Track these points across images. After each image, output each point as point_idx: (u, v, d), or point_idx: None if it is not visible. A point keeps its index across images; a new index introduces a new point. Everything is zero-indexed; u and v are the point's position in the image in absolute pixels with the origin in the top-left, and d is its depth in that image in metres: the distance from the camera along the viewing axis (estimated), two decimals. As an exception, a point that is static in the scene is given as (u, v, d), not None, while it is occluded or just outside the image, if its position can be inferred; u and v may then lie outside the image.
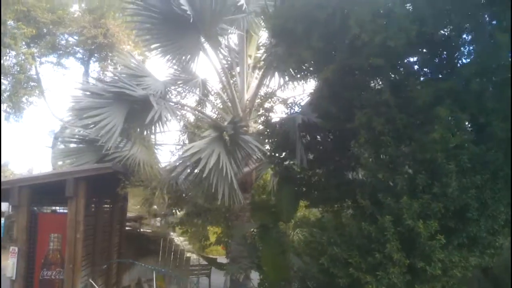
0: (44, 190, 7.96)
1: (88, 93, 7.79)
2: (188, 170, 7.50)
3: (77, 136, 9.02)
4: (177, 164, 6.63)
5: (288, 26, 5.99)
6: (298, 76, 7.14)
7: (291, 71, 7.78)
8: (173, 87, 9.63)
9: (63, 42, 19.91)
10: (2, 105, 15.62)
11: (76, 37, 18.51)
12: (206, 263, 13.13)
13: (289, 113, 8.22)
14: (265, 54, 8.86)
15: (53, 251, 7.96)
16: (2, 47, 11.66)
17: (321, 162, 7.53)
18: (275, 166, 8.16)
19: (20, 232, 7.68)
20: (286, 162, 7.71)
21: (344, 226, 5.83)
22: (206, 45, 8.59)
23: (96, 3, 18.47)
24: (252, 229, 8.16)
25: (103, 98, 7.33)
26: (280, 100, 9.10)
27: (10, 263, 7.54)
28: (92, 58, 19.95)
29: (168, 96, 8.82)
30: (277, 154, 7.59)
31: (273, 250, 7.21)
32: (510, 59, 4.85)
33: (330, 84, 5.98)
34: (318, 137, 7.43)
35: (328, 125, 6.60)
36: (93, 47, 18.51)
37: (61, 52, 19.78)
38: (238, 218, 9.09)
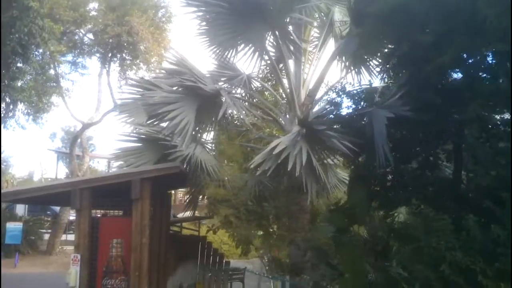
0: (100, 193, 7.45)
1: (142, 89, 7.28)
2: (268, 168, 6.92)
3: (135, 135, 8.49)
4: (261, 161, 6.07)
5: (384, 11, 5.51)
6: (386, 66, 6.68)
7: (371, 61, 7.33)
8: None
9: (84, 40, 19.34)
10: (20, 106, 15.00)
11: (98, 36, 17.86)
12: (241, 267, 12.64)
13: (357, 107, 7.74)
14: (338, 44, 8.34)
15: (115, 257, 7.42)
16: (29, 46, 11.13)
17: (406, 160, 7.04)
18: (349, 164, 7.67)
19: (82, 238, 7.14)
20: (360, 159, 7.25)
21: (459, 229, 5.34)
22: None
23: (118, 1, 18.02)
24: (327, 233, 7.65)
25: (175, 93, 6.83)
26: (346, 93, 8.55)
27: (73, 271, 7.00)
28: (114, 58, 19.35)
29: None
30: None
31: (352, 255, 6.72)
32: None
33: (439, 73, 5.50)
34: (404, 132, 6.94)
35: (426, 118, 6.12)
36: (115, 46, 17.94)
37: (80, 51, 19.21)
38: (298, 220, 8.60)
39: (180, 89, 6.98)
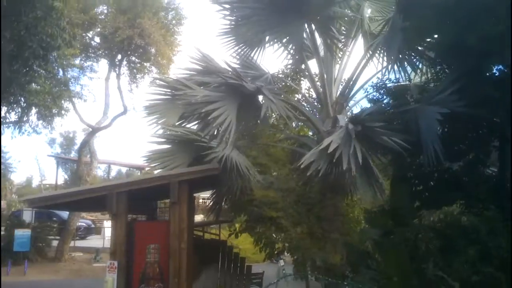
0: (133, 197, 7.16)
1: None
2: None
3: (167, 136, 8.21)
4: (312, 161, 5.81)
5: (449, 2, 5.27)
6: (438, 60, 6.44)
7: (416, 57, 7.08)
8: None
9: (93, 43, 19.04)
10: (33, 110, 14.62)
11: (108, 38, 17.56)
12: (259, 271, 12.39)
13: (397, 103, 7.50)
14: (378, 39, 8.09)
15: (151, 264, 7.11)
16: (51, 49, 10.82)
17: (454, 157, 6.80)
18: (391, 163, 7.42)
19: (119, 244, 6.83)
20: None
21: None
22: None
23: (128, 3, 17.75)
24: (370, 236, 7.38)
25: (218, 91, 6.56)
26: (387, 89, 8.31)
27: (110, 280, 6.68)
28: (124, 61, 19.07)
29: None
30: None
31: (399, 258, 6.45)
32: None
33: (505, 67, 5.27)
34: (453, 129, 6.70)
35: (482, 114, 5.89)
36: (127, 49, 17.66)
37: (90, 54, 18.91)
38: (332, 223, 8.33)
39: (222, 87, 6.71)
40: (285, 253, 12.15)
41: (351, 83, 8.37)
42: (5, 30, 9.56)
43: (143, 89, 20.19)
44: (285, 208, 6.99)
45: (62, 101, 14.95)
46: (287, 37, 7.71)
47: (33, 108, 13.44)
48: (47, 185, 62.73)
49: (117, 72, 19.24)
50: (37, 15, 9.55)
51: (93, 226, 26.49)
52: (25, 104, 12.71)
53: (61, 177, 51.00)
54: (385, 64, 7.65)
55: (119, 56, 19.55)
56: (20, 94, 11.80)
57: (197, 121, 8.85)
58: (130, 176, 56.67)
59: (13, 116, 13.69)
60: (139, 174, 56.94)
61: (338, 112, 8.53)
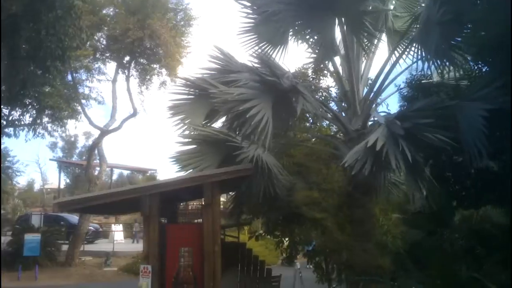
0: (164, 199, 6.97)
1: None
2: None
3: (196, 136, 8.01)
4: (357, 158, 5.63)
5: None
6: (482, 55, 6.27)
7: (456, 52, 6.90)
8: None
9: (101, 45, 18.86)
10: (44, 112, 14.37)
11: (118, 40, 17.36)
12: (276, 275, 12.25)
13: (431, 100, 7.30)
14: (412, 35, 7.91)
15: (184, 267, 6.90)
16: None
17: (494, 156, 6.62)
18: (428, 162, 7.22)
19: (152, 247, 6.63)
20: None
21: None
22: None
23: (138, 4, 17.59)
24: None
25: (253, 89, 6.38)
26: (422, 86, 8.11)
27: (144, 284, 6.48)
28: (133, 63, 18.88)
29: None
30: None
31: (443, 260, 6.28)
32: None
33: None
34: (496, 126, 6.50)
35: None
36: (137, 50, 17.48)
37: (100, 56, 18.73)
38: (363, 224, 8.14)
39: (256, 85, 6.53)
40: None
41: (380, 80, 8.19)
42: (22, 30, 9.36)
43: (153, 91, 19.88)
44: (328, 209, 6.79)
45: (76, 103, 14.74)
46: (316, 34, 7.54)
47: (46, 110, 13.19)
48: (49, 189, 62.56)
49: (126, 74, 19.05)
50: (57, 14, 9.34)
51: (101, 230, 26.26)
52: (38, 106, 12.48)
53: (62, 181, 50.84)
54: (416, 60, 7.47)
55: (127, 58, 19.39)
56: (34, 96, 11.59)
57: (224, 121, 8.75)
58: (132, 179, 56.50)
59: (25, 118, 13.45)
60: (140, 177, 56.85)
61: (366, 110, 8.37)
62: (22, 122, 13.61)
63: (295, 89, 6.49)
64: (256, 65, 7.73)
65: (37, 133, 14.15)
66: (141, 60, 18.89)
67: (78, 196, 7.64)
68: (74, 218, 28.39)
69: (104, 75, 19.26)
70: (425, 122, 5.69)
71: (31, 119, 13.55)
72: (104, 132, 19.76)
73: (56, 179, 58.55)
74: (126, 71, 19.06)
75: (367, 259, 6.03)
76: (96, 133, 18.29)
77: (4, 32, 9.23)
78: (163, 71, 18.55)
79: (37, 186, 62.70)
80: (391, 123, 5.90)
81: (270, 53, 9.48)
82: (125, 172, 60.28)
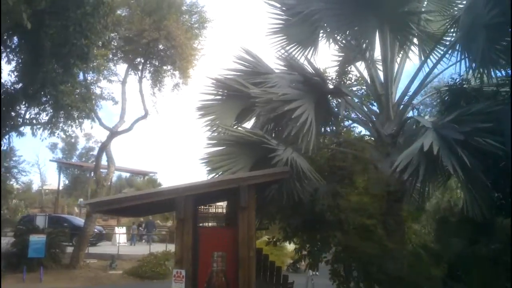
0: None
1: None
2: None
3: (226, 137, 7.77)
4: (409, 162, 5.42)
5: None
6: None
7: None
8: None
9: (113, 46, 18.63)
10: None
11: (134, 40, 17.15)
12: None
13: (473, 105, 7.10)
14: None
15: (217, 273, 6.64)
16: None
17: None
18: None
19: (186, 251, 6.39)
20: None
21: None
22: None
23: (153, 5, 17.42)
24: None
25: (297, 89, 6.18)
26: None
27: (177, 289, 6.24)
28: (146, 64, 18.67)
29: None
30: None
31: (488, 270, 6.06)
32: None
33: None
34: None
35: None
36: (152, 51, 17.28)
37: (113, 57, 18.50)
38: (395, 233, 7.92)
39: (300, 85, 6.34)
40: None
41: (417, 84, 8.01)
42: (47, 26, 9.13)
43: (166, 93, 19.64)
44: (376, 215, 6.56)
45: (92, 103, 14.49)
46: (357, 34, 7.34)
47: (63, 109, 12.89)
48: (47, 190, 62.12)
49: (139, 75, 18.83)
50: (86, 10, 9.12)
51: (104, 232, 25.93)
52: (55, 105, 12.20)
53: (61, 182, 50.54)
54: (458, 63, 7.27)
55: (139, 59, 19.19)
56: (52, 94, 11.34)
57: (255, 122, 8.54)
58: (130, 182, 56.09)
59: (41, 117, 13.15)
60: (140, 180, 56.46)
61: (400, 115, 8.19)
62: (39, 121, 13.30)
63: (339, 90, 6.29)
64: (282, 66, 7.57)
65: (53, 132, 13.87)
66: (154, 62, 18.66)
67: (111, 197, 7.41)
68: (77, 219, 28.13)
69: (116, 76, 18.99)
70: (483, 126, 5.48)
71: (47, 118, 13.24)
72: (114, 133, 19.49)
73: (54, 180, 58.20)
74: (138, 72, 18.83)
75: (419, 269, 5.79)
76: (98, 134, 17.79)
77: (26, 30, 8.98)
78: (177, 73, 18.33)
79: (35, 187, 62.22)
80: (444, 127, 5.69)
81: (300, 55, 9.33)
82: (124, 175, 59.81)
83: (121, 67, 20.36)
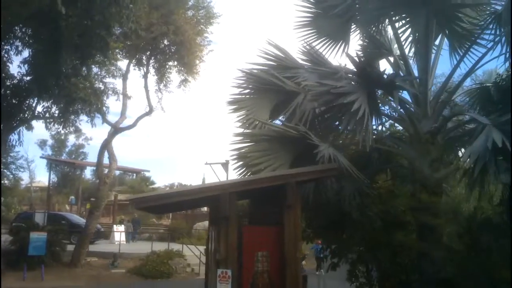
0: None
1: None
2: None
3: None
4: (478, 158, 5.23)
5: None
6: None
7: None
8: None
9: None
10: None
11: (141, 35, 16.68)
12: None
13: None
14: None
15: (260, 273, 6.40)
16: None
17: None
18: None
19: (231, 251, 6.11)
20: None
21: None
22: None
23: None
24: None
25: (350, 81, 5.95)
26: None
27: (224, 290, 5.95)
28: (152, 59, 18.26)
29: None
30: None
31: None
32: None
33: None
34: None
35: None
36: (160, 46, 16.88)
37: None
38: (433, 230, 7.74)
39: (353, 77, 6.10)
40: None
41: (457, 81, 7.83)
42: (65, 16, 8.73)
43: (172, 89, 19.21)
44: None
45: (105, 97, 14.07)
46: (403, 26, 7.12)
47: (77, 103, 12.44)
48: (37, 187, 61.10)
49: (144, 71, 18.42)
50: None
51: (102, 230, 25.45)
52: (68, 99, 11.74)
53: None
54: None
55: (142, 54, 18.77)
56: (67, 88, 10.90)
57: (287, 116, 8.27)
58: (121, 180, 55.30)
59: (54, 111, 12.64)
60: (129, 178, 55.79)
61: (438, 111, 8.00)
62: (52, 115, 12.79)
63: (393, 83, 6.06)
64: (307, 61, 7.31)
65: (65, 127, 13.39)
66: (159, 57, 18.25)
67: (155, 192, 7.11)
68: (74, 217, 27.61)
69: (120, 70, 18.51)
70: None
71: (57, 111, 12.76)
72: (117, 129, 19.06)
73: (42, 177, 57.20)
74: (144, 68, 18.40)
75: (486, 271, 5.59)
76: (89, 132, 16.99)
77: (44, 19, 8.59)
78: (183, 68, 17.92)
79: (23, 184, 61.04)
80: (504, 124, 5.51)
81: (331, 48, 9.12)
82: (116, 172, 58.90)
83: (122, 63, 19.84)
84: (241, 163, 7.41)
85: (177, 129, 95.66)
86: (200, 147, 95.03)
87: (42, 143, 60.07)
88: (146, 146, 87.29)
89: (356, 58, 6.36)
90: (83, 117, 13.68)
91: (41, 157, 52.99)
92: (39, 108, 12.56)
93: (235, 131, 8.05)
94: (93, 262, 19.94)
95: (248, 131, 7.55)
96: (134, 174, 52.34)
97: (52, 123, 12.96)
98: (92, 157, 55.76)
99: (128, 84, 18.91)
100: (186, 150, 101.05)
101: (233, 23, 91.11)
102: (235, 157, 7.61)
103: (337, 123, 6.89)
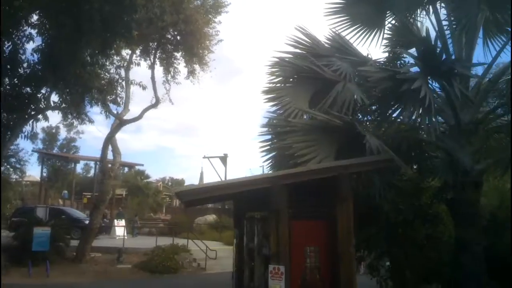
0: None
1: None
2: None
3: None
4: None
5: None
6: None
7: None
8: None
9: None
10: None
11: (153, 23, 16.17)
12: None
13: None
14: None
15: (311, 269, 6.11)
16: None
17: None
18: None
19: (283, 245, 5.80)
20: None
21: None
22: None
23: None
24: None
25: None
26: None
27: (277, 287, 5.63)
28: (159, 49, 17.76)
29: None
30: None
31: None
32: None
33: None
34: None
35: None
36: (170, 35, 16.40)
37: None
38: (474, 225, 7.52)
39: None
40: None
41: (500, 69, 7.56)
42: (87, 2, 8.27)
43: (180, 80, 18.71)
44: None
45: (119, 88, 13.57)
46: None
47: (93, 93, 11.96)
48: (28, 182, 60.15)
49: (151, 61, 17.93)
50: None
51: (103, 224, 24.99)
52: (81, 89, 11.25)
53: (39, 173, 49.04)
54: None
55: (149, 44, 18.27)
56: (81, 77, 10.43)
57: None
58: (115, 174, 54.41)
59: (67, 100, 12.08)
60: (125, 172, 55.09)
61: (479, 100, 7.74)
62: (67, 104, 12.25)
63: (452, 71, 5.77)
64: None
65: (81, 118, 12.87)
66: (168, 47, 17.78)
67: (204, 185, 6.77)
68: (74, 211, 27.09)
69: (126, 61, 17.96)
70: None
71: (70, 101, 12.21)
72: (123, 121, 18.57)
73: (33, 172, 56.26)
74: (151, 58, 17.90)
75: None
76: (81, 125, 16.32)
77: (66, 4, 8.11)
78: (194, 59, 17.45)
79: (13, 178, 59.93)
80: None
81: (366, 36, 8.84)
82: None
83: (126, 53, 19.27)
84: (269, 155, 7.11)
85: (174, 121, 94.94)
86: (196, 141, 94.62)
87: (32, 137, 58.89)
88: (135, 138, 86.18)
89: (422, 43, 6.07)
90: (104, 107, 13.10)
91: (33, 150, 51.98)
92: (54, 98, 12.04)
93: (262, 121, 7.76)
94: (97, 258, 19.49)
95: (296, 121, 7.15)
96: (126, 168, 51.53)
97: (69, 114, 12.44)
98: (84, 151, 54.97)
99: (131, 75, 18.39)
100: (181, 143, 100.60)
101: (247, 12, 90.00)
102: (264, 148, 7.34)
103: (390, 111, 6.53)
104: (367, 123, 7.68)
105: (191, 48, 16.65)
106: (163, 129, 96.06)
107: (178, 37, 16.93)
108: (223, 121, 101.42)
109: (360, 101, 7.17)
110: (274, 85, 7.87)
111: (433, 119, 5.44)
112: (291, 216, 6.04)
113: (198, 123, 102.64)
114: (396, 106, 6.13)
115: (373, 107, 7.50)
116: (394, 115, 6.68)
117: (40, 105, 11.49)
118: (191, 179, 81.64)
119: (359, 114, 7.74)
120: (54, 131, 58.31)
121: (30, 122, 11.69)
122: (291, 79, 7.85)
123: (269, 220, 5.86)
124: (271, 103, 7.70)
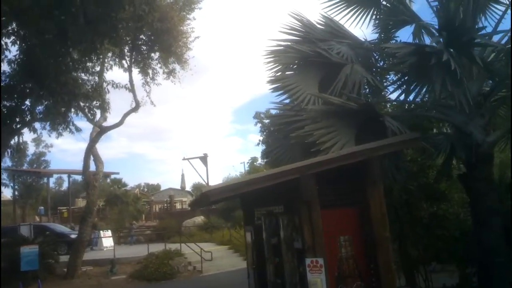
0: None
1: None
2: None
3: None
4: None
5: None
6: None
7: None
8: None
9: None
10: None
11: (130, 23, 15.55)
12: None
13: None
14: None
15: (346, 259, 5.87)
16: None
17: None
18: None
19: (318, 236, 5.55)
20: None
21: None
22: None
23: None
24: None
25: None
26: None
27: (319, 281, 5.37)
28: (136, 50, 17.18)
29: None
30: None
31: None
32: None
33: None
34: None
35: None
36: (145, 36, 15.87)
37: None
38: (487, 200, 7.44)
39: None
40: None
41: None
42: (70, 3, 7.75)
43: (160, 80, 18.16)
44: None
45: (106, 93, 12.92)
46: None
47: (78, 100, 11.32)
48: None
49: (128, 64, 17.33)
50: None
51: (94, 237, 24.29)
52: (67, 97, 10.60)
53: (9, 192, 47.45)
54: None
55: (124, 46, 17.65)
56: (66, 84, 9.84)
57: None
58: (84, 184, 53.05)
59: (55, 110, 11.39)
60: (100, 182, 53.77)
61: (482, 75, 7.63)
62: (54, 113, 11.54)
63: (471, 41, 5.61)
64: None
65: (67, 127, 12.17)
66: (143, 48, 17.22)
67: (231, 182, 6.42)
68: (58, 226, 26.21)
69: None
70: None
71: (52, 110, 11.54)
72: (103, 129, 17.92)
73: (4, 191, 54.36)
74: (127, 60, 17.29)
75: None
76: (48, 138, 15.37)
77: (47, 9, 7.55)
78: (172, 58, 16.96)
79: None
80: None
81: (363, 18, 8.64)
82: (78, 177, 56.80)
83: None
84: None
85: (141, 126, 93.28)
86: (168, 144, 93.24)
87: (19, 151, 56.66)
88: (105, 147, 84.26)
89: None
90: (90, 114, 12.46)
91: (3, 169, 50.14)
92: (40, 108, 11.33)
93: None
94: (89, 271, 18.84)
95: (313, 107, 6.86)
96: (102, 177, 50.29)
97: (57, 124, 11.77)
98: (54, 165, 53.36)
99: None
100: (152, 148, 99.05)
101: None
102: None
103: (417, 88, 6.32)
104: (383, 103, 7.48)
105: (168, 47, 16.14)
106: (131, 135, 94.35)
107: (152, 37, 16.34)
108: (193, 121, 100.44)
109: (372, 82, 6.96)
110: (277, 74, 7.58)
111: (467, 91, 5.23)
112: (321, 206, 5.79)
113: (168, 126, 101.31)
114: (423, 82, 5.91)
115: (389, 88, 7.32)
116: (418, 91, 6.45)
117: (25, 118, 10.85)
118: (167, 183, 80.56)
119: (369, 96, 7.52)
120: (22, 147, 56.22)
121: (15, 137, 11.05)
122: (294, 66, 7.56)
123: (300, 212, 5.58)
124: (278, 92, 7.40)
